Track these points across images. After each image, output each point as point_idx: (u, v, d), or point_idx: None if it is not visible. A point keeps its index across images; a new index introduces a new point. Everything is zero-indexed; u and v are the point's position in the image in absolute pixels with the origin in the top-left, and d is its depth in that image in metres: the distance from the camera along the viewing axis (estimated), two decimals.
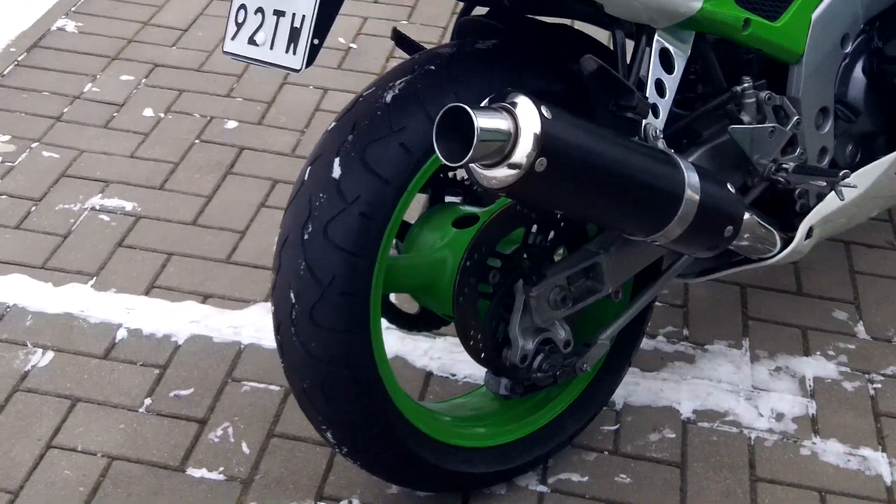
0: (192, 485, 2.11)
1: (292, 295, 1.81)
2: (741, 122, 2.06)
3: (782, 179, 2.13)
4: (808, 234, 2.24)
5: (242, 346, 2.41)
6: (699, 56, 2.05)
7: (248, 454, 2.18)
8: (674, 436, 2.29)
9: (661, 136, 1.88)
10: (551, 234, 1.97)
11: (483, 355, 1.95)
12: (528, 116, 1.58)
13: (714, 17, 1.94)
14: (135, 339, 2.42)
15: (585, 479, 2.18)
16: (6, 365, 2.33)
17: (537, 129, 1.58)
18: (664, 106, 1.91)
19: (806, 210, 2.24)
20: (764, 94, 2.07)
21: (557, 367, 1.99)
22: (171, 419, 2.24)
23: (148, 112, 3.19)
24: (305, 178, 1.83)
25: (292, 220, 1.82)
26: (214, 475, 2.13)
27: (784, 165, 2.11)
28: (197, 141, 3.08)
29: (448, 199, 2.11)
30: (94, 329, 2.44)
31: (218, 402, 2.28)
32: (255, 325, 2.46)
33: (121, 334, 2.43)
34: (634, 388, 2.39)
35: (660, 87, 1.91)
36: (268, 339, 2.41)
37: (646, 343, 2.51)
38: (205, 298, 2.54)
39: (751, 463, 2.23)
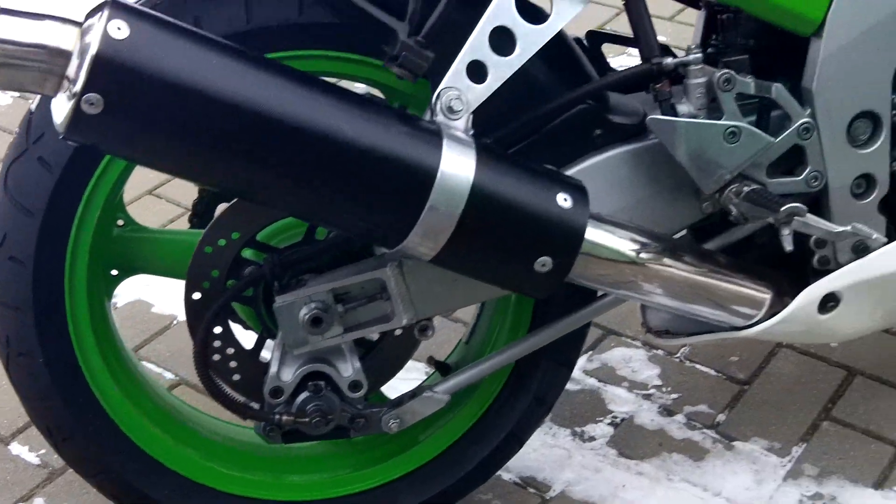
0: None
1: None
2: (674, 112, 1.37)
3: (732, 209, 1.40)
4: (826, 306, 1.46)
5: None
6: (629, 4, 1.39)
7: None
8: None
9: (465, 113, 1.26)
10: None
11: (211, 383, 1.44)
12: (91, 31, 1.10)
13: None
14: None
15: None
16: None
17: (92, 50, 1.09)
18: (498, 68, 1.28)
19: (826, 268, 1.47)
20: (722, 75, 1.35)
21: (334, 415, 1.44)
22: None
23: None
24: None
25: None
26: (31, 457, 1.82)
27: (741, 188, 1.38)
28: None
29: None
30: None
31: None
32: None
33: None
34: (590, 475, 1.72)
35: (501, 40, 1.29)
36: None
37: (656, 419, 1.81)
38: None
39: None
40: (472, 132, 1.27)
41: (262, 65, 1.17)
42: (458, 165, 1.22)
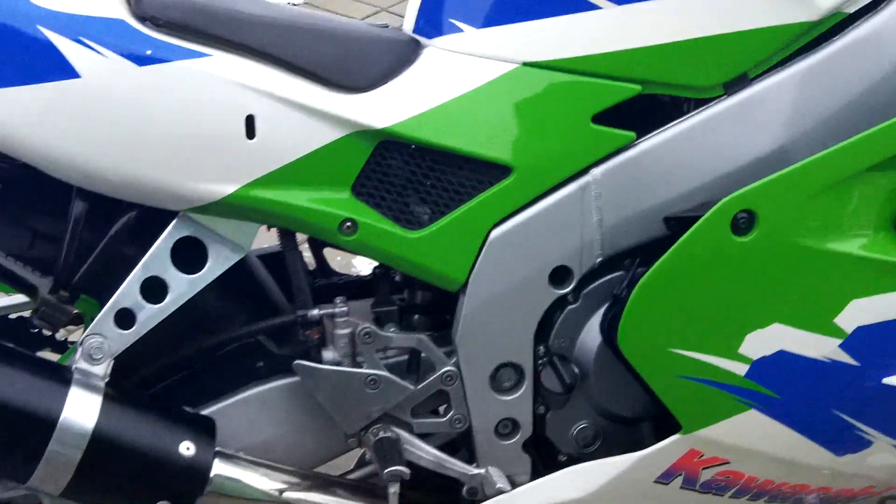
0: None
1: None
2: (320, 358, 1.49)
3: (367, 451, 1.52)
4: None
5: None
6: (286, 256, 1.51)
7: None
8: None
9: (105, 359, 1.38)
10: None
11: None
12: None
13: (271, 209, 1.39)
14: None
15: None
16: None
17: None
18: (147, 316, 1.40)
19: (475, 499, 1.59)
20: (363, 329, 1.47)
21: None
22: None
23: None
24: None
25: None
26: None
27: (378, 431, 1.50)
28: None
29: None
30: None
31: None
32: None
33: None
34: None
35: (152, 288, 1.41)
36: None
37: None
38: None
39: None
40: (107, 379, 1.38)
41: None
42: (80, 414, 1.33)
